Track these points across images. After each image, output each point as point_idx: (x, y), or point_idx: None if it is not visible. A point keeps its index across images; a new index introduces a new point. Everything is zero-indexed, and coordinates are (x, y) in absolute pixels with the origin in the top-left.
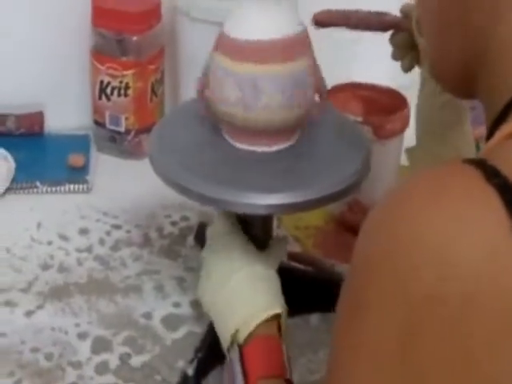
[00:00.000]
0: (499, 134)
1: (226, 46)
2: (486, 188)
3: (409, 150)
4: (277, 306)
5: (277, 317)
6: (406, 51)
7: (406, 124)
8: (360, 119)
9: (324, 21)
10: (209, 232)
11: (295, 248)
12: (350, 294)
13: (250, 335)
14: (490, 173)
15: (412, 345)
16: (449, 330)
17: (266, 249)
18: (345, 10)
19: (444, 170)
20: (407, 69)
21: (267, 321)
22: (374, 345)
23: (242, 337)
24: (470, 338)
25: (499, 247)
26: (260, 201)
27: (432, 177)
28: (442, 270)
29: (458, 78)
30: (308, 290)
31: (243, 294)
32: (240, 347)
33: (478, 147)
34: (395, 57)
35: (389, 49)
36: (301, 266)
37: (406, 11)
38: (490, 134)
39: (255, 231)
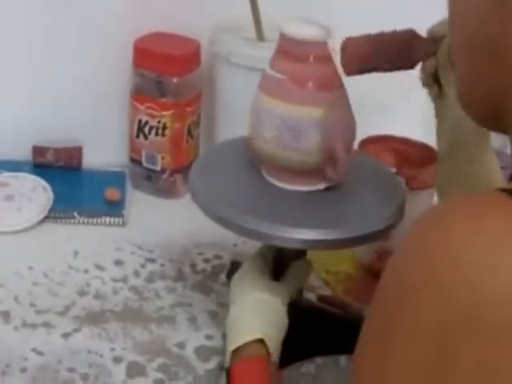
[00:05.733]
0: None
1: (267, 82)
2: None
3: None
4: (259, 333)
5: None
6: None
7: None
8: (393, 170)
9: (354, 69)
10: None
11: (326, 291)
12: (378, 319)
13: (238, 355)
14: None
15: (444, 369)
16: (481, 357)
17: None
18: (370, 34)
19: (481, 197)
20: (436, 96)
21: (256, 343)
22: (403, 370)
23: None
24: (498, 366)
25: None
26: (294, 235)
27: (469, 203)
28: (478, 295)
29: (487, 111)
30: (338, 331)
31: (239, 318)
32: (227, 367)
33: None
34: (424, 84)
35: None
36: (332, 309)
37: (433, 34)
38: None
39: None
